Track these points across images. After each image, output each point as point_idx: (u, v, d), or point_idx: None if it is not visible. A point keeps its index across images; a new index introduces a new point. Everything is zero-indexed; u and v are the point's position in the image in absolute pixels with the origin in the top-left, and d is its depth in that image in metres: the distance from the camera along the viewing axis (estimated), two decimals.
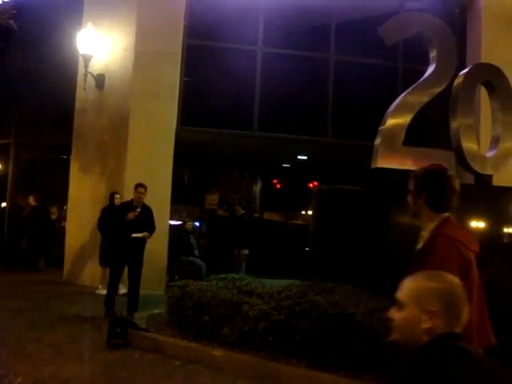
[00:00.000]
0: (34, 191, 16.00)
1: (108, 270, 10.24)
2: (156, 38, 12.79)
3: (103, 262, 11.69)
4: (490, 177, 9.26)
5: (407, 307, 2.14)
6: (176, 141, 12.74)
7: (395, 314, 2.19)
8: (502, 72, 9.45)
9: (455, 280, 2.17)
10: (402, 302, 2.16)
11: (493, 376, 2.00)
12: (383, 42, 8.77)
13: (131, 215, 9.33)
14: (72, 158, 13.96)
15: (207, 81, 13.75)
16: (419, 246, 3.44)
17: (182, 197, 16.38)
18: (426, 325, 2.08)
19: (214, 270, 10.97)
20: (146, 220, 9.59)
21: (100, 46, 13.02)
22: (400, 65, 14.26)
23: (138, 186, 9.59)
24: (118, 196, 11.63)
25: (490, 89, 9.57)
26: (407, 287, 2.18)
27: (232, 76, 13.21)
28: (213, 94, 13.68)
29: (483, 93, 10.32)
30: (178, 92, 12.98)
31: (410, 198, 3.53)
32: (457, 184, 3.48)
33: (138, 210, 9.46)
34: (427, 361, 1.97)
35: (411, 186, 3.52)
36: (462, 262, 3.19)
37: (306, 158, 16.43)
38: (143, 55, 12.76)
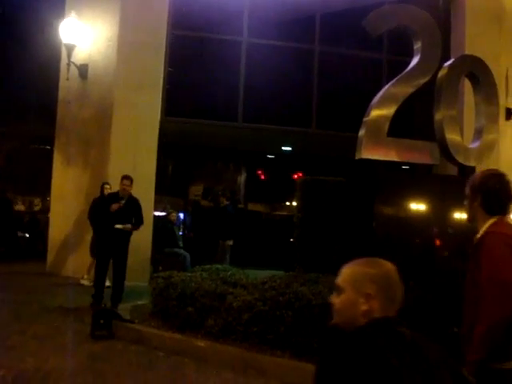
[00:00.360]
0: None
1: None
2: (140, 28, 12.70)
3: (93, 253, 11.62)
4: (473, 168, 9.31)
5: (345, 291, 2.21)
6: (160, 132, 12.69)
7: (335, 299, 2.25)
8: (486, 64, 9.49)
9: (390, 265, 2.25)
10: (341, 286, 2.23)
11: (425, 359, 2.06)
12: (368, 34, 8.78)
13: (114, 206, 9.30)
14: (55, 148, 13.87)
15: (192, 71, 13.70)
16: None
17: (167, 188, 16.32)
18: (363, 307, 2.15)
19: (199, 261, 10.96)
20: (132, 212, 9.55)
21: (83, 36, 12.90)
22: (385, 56, 14.28)
23: (123, 178, 9.55)
24: (107, 186, 11.48)
25: (474, 81, 9.61)
26: (345, 273, 2.25)
27: (217, 67, 13.18)
28: (197, 84, 13.63)
29: (467, 85, 10.36)
30: (162, 83, 12.92)
31: (466, 202, 3.58)
32: None
33: (123, 201, 9.41)
34: (358, 341, 2.06)
35: (468, 189, 3.56)
36: None
37: (290, 149, 16.44)
38: (127, 45, 12.66)
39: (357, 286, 2.19)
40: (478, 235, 3.46)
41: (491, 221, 3.42)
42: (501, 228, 3.35)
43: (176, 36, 13.32)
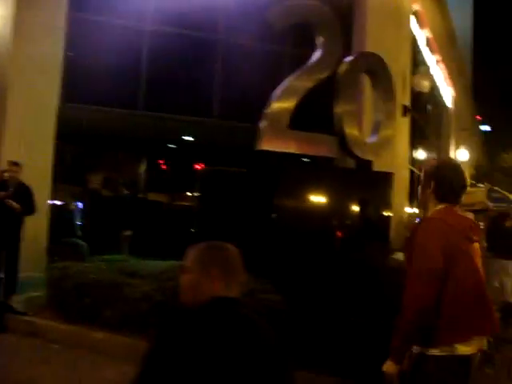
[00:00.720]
0: None
1: None
2: (38, 8, 12.17)
3: None
4: (370, 162, 9.59)
5: (191, 272, 2.39)
6: (59, 118, 12.28)
7: (182, 279, 2.43)
8: (384, 62, 9.78)
9: (232, 248, 2.47)
10: (187, 266, 2.42)
11: (256, 339, 2.27)
12: (271, 26, 8.85)
13: (2, 194, 8.91)
14: None
15: (93, 57, 13.33)
16: None
17: (65, 176, 15.86)
18: (206, 287, 2.34)
19: (97, 251, 10.73)
20: (23, 200, 9.17)
21: None
22: (287, 49, 14.44)
23: (10, 164, 9.18)
24: (6, 174, 10.83)
25: (373, 77, 9.89)
26: (191, 254, 2.44)
27: (118, 53, 12.88)
28: (98, 70, 13.28)
29: (366, 80, 10.65)
30: (60, 67, 12.50)
31: (419, 189, 3.60)
32: (467, 181, 3.57)
33: (11, 189, 9.03)
34: (194, 318, 2.27)
35: (422, 176, 3.57)
36: (448, 246, 3.21)
37: (192, 138, 16.35)
38: (24, 26, 12.12)
39: (201, 266, 2.37)
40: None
41: (439, 207, 3.44)
42: (440, 215, 3.37)
43: (77, 19, 12.92)
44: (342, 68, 9.27)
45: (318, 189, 8.80)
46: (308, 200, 8.67)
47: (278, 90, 8.87)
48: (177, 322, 2.30)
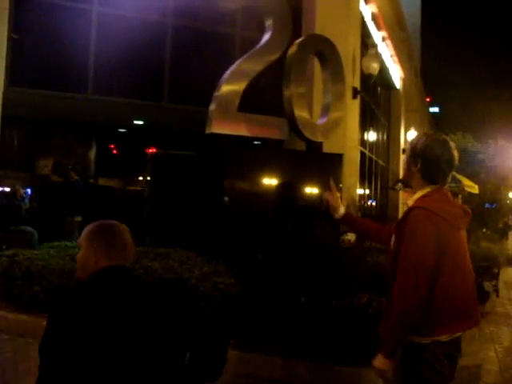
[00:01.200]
0: None
1: None
2: None
3: None
4: (320, 143, 9.65)
5: (82, 248, 2.65)
6: (4, 102, 11.99)
7: (77, 257, 2.69)
8: (333, 44, 9.83)
9: (118, 225, 2.72)
10: (79, 244, 2.68)
11: (139, 299, 2.46)
12: (221, 9, 8.80)
13: None
14: None
15: (39, 39, 13.03)
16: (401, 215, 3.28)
17: (12, 162, 15.52)
18: (92, 260, 2.58)
19: (47, 238, 10.57)
20: None
21: None
22: (238, 32, 14.36)
23: None
24: None
25: (322, 59, 9.93)
26: (83, 233, 2.71)
27: (66, 35, 12.61)
28: (45, 53, 12.99)
29: (316, 63, 10.69)
30: (5, 49, 12.18)
31: (404, 164, 3.37)
32: (456, 159, 3.27)
33: None
34: (82, 290, 2.48)
35: (408, 152, 3.33)
36: (440, 237, 3.03)
37: (142, 122, 16.17)
38: None
39: (88, 243, 2.63)
40: (410, 203, 3.28)
41: (425, 191, 3.22)
42: (430, 203, 3.13)
43: (21, 0, 12.60)
44: (292, 50, 9.28)
45: (268, 171, 8.82)
46: (258, 182, 8.69)
47: (228, 73, 8.84)
48: (68, 297, 2.48)
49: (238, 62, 8.99)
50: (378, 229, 3.78)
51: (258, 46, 9.20)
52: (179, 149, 9.00)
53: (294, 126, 9.21)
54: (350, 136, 13.82)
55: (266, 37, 9.28)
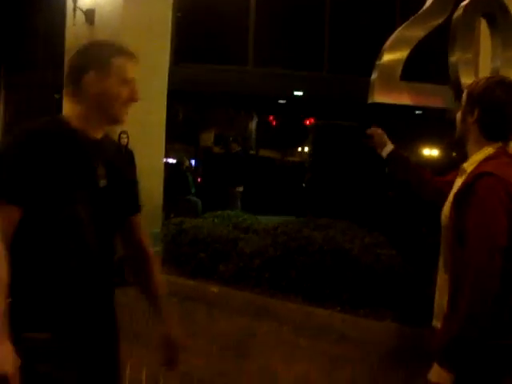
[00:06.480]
0: None
1: None
2: None
3: None
4: None
5: None
6: (169, 78, 12.52)
7: None
8: (505, 4, 9.23)
9: None
10: None
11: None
12: None
13: None
14: (64, 97, 13.71)
15: (199, 16, 13.44)
16: (458, 182, 2.66)
17: (178, 135, 16.24)
18: None
19: (210, 208, 10.94)
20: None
21: None
22: None
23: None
24: (124, 136, 11.27)
25: (491, 22, 9.35)
26: None
27: (225, 10, 12.91)
28: (206, 29, 13.40)
29: (483, 26, 10.12)
30: (170, 27, 12.68)
31: (458, 115, 2.71)
32: None
33: None
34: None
35: (464, 97, 2.69)
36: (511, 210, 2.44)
37: (301, 93, 16.23)
38: None
39: None
40: (467, 167, 2.64)
41: (488, 150, 2.59)
42: (500, 167, 2.48)
43: None
44: (457, 13, 8.81)
45: (429, 142, 8.53)
46: (423, 153, 8.44)
47: (389, 41, 8.58)
48: None
49: (399, 29, 8.66)
50: (430, 177, 3.21)
51: (421, 11, 8.83)
52: (338, 119, 8.92)
53: (459, 94, 8.78)
54: None
55: (430, 0, 8.89)
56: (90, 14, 12.82)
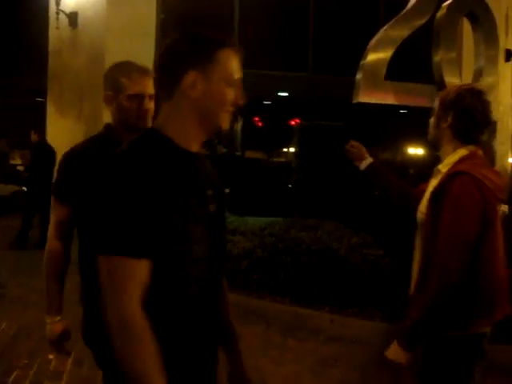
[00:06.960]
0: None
1: None
2: None
3: None
4: None
5: None
6: None
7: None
8: (486, 3, 9.29)
9: None
10: None
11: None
12: None
13: None
14: (48, 100, 13.65)
15: (185, 18, 13.41)
16: (434, 182, 2.80)
17: None
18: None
19: None
20: None
21: None
22: None
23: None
24: None
25: (474, 20, 9.42)
26: None
27: (208, 11, 12.89)
28: (191, 31, 13.36)
29: (466, 26, 10.17)
30: (154, 29, 12.64)
31: (431, 121, 2.89)
32: (492, 115, 2.77)
33: None
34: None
35: (437, 103, 2.85)
36: (485, 209, 2.58)
37: (287, 94, 16.24)
38: None
39: None
40: (442, 168, 2.78)
41: (462, 152, 2.74)
42: (473, 167, 2.63)
43: None
44: (441, 13, 8.87)
45: (415, 140, 8.57)
46: (407, 152, 8.47)
47: (373, 41, 8.61)
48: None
49: (383, 29, 8.71)
50: (408, 188, 3.26)
51: (404, 11, 8.87)
52: (324, 119, 8.93)
53: None
54: (502, 102, 13.08)
55: (413, 0, 8.93)
56: (73, 17, 12.74)
